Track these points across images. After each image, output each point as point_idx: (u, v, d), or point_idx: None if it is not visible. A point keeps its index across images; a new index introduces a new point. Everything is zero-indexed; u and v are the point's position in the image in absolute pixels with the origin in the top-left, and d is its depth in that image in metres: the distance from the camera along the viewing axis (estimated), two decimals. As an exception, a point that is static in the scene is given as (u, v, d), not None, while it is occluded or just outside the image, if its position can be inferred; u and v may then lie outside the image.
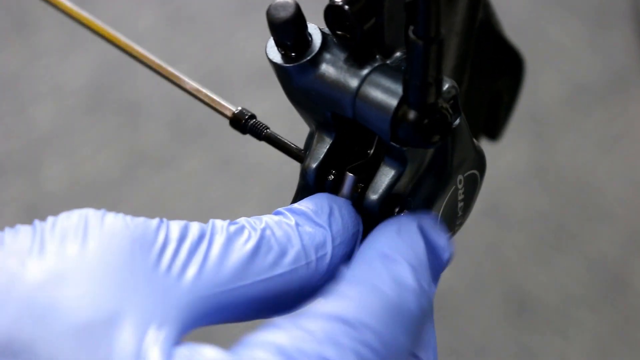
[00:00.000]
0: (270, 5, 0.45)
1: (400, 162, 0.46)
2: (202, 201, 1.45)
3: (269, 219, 0.47)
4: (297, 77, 0.46)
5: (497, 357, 1.32)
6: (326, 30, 0.47)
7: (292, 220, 0.46)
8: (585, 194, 1.47)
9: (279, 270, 0.45)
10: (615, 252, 1.41)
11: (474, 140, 0.49)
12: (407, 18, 0.45)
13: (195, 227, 0.44)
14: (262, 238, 0.45)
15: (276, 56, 0.47)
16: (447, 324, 1.34)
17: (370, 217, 0.47)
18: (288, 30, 0.45)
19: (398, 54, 0.47)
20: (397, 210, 0.47)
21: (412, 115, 0.43)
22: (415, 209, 0.48)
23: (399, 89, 0.44)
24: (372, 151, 0.48)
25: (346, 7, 0.44)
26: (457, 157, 0.48)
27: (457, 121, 0.46)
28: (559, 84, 1.60)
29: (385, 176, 0.46)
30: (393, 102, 0.44)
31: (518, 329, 1.34)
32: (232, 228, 0.45)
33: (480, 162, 0.50)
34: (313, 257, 0.45)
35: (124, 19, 1.63)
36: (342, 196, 0.48)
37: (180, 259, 0.43)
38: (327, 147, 0.47)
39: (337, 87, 0.46)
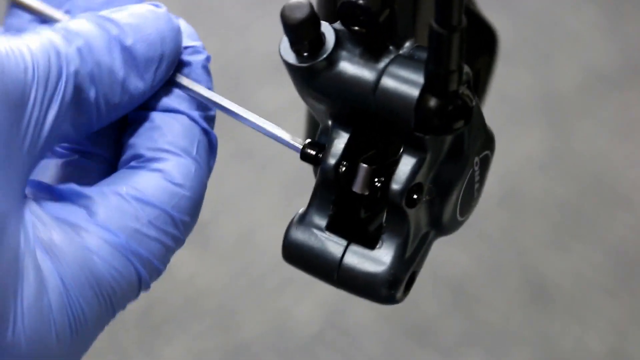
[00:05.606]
0: (284, 7, 0.45)
1: (420, 151, 0.46)
2: (220, 190, 1.46)
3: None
4: (314, 76, 0.46)
5: (515, 343, 1.33)
6: (336, 26, 0.47)
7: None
8: (602, 181, 1.47)
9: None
10: (633, 238, 1.42)
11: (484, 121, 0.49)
12: (415, 6, 0.45)
13: (54, 69, 0.42)
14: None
15: (291, 57, 0.46)
16: (465, 310, 1.35)
17: (394, 207, 0.47)
18: (304, 31, 0.45)
19: (408, 43, 0.47)
20: (420, 199, 0.47)
21: (434, 103, 0.44)
22: (436, 196, 0.48)
23: (419, 78, 0.44)
24: (385, 141, 0.48)
25: (361, 1, 0.44)
26: (473, 140, 0.48)
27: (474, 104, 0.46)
28: (575, 71, 1.60)
29: (407, 166, 0.46)
30: (415, 92, 0.44)
31: (536, 315, 1.34)
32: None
33: (491, 142, 0.50)
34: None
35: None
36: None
37: (44, 130, 0.42)
38: (345, 142, 0.47)
39: (357, 82, 0.46)
